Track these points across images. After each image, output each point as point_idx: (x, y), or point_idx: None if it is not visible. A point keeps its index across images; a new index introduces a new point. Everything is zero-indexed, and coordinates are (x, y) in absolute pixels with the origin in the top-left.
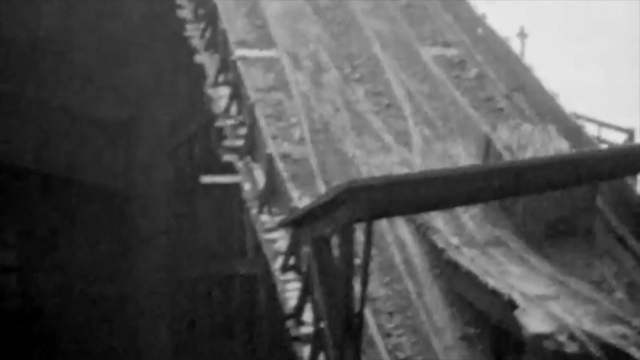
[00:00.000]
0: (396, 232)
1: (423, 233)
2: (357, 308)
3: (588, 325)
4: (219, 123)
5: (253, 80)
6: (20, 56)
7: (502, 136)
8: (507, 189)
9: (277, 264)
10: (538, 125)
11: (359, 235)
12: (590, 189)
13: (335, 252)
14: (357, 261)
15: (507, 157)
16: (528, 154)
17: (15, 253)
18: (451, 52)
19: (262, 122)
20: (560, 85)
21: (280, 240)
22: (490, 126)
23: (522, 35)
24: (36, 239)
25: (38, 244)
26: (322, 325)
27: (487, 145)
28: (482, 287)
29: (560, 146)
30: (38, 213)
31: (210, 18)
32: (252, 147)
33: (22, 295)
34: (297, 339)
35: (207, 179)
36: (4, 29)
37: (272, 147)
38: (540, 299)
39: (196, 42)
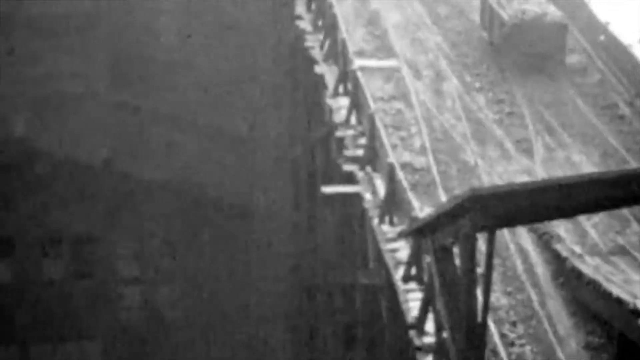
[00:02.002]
0: (518, 241)
1: (545, 242)
2: (479, 318)
3: None
4: (339, 133)
5: (372, 89)
6: (143, 69)
7: None
8: (632, 197)
9: (399, 273)
10: None
11: (481, 244)
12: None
13: (457, 261)
14: (479, 271)
15: None
16: None
17: (138, 265)
18: (573, 58)
19: (382, 132)
20: None
21: (402, 250)
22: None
23: None
24: (158, 251)
25: (160, 255)
26: (445, 335)
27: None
28: (606, 295)
29: None
30: (158, 225)
31: (330, 28)
32: (372, 157)
33: (145, 307)
34: (420, 349)
35: (328, 189)
36: (130, 48)
37: (392, 157)
38: None
39: (315, 53)
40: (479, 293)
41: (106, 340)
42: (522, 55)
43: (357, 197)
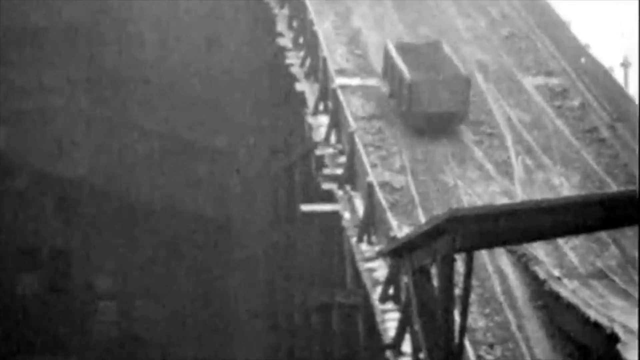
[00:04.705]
0: (496, 262)
1: (524, 264)
2: (457, 339)
3: None
4: (318, 151)
5: (353, 108)
6: (124, 84)
7: None
8: (611, 221)
9: (376, 293)
10: None
11: (459, 265)
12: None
13: (435, 282)
14: (457, 292)
15: None
16: None
17: (114, 281)
18: (554, 81)
19: (362, 151)
20: None
21: (380, 269)
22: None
23: (625, 64)
24: (135, 266)
25: (137, 271)
26: (422, 356)
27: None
28: (583, 319)
29: None
30: (136, 240)
31: (311, 46)
32: (352, 176)
33: (120, 322)
34: None
35: (306, 207)
36: (110, 62)
37: (372, 176)
38: None
39: (296, 70)
40: (457, 314)
41: (81, 355)
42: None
43: (336, 215)
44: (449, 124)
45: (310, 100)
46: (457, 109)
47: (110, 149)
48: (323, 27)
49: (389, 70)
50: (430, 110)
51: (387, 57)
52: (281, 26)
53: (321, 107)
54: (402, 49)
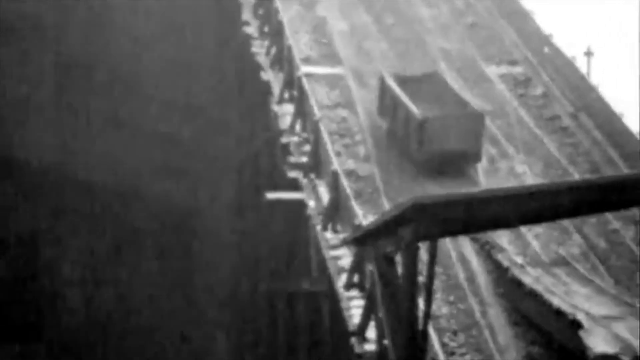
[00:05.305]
0: (460, 250)
1: (487, 252)
2: (420, 326)
3: None
4: (284, 139)
5: (318, 97)
6: (88, 72)
7: None
8: (574, 209)
9: (341, 281)
10: None
11: (423, 253)
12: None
13: (400, 269)
14: (421, 279)
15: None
16: None
17: (81, 268)
18: (517, 70)
19: (326, 139)
20: (628, 105)
21: (345, 257)
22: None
23: (588, 54)
24: (101, 254)
25: (103, 259)
26: (386, 342)
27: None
28: (546, 306)
29: None
30: (102, 228)
31: (276, 35)
32: (316, 164)
33: (87, 309)
34: (361, 356)
35: (271, 196)
36: (75, 51)
37: (336, 164)
38: (605, 319)
39: (261, 59)
40: (421, 301)
41: (49, 341)
42: None
43: (301, 203)
44: (464, 163)
45: (276, 89)
46: (472, 148)
47: (76, 136)
48: (288, 16)
49: (389, 105)
50: (444, 149)
51: (385, 89)
52: (247, 15)
53: (286, 95)
54: (400, 80)
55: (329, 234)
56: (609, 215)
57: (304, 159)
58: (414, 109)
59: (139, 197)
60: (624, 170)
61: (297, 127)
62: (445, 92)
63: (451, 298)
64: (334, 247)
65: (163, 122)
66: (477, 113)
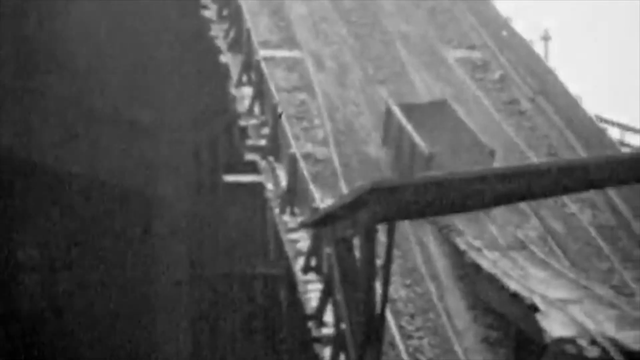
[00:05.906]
0: (418, 233)
1: (445, 235)
2: (378, 310)
3: (610, 330)
4: (242, 122)
5: (276, 80)
6: (48, 56)
7: None
8: (531, 193)
9: (299, 264)
10: None
11: (381, 236)
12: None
13: (357, 253)
14: (379, 262)
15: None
16: None
17: (37, 252)
18: (475, 54)
19: (285, 122)
20: (585, 88)
21: (302, 240)
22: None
23: (546, 37)
24: (58, 238)
25: (60, 243)
26: (343, 326)
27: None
28: (503, 290)
29: None
30: (59, 212)
31: (234, 18)
32: (275, 147)
33: (44, 294)
34: (318, 340)
35: (230, 178)
36: (33, 31)
37: (295, 147)
38: (562, 303)
39: (220, 43)
40: (378, 285)
41: (7, 327)
42: None
43: (259, 186)
44: None
45: (234, 72)
46: None
47: (33, 120)
48: None
49: (394, 136)
50: None
51: (391, 119)
52: None
53: (245, 79)
54: (406, 109)
55: (287, 217)
56: (566, 199)
57: (263, 142)
58: (420, 143)
59: (96, 181)
60: (582, 153)
61: (256, 110)
62: (454, 123)
63: (408, 281)
64: (292, 230)
65: (120, 104)
66: (487, 148)
